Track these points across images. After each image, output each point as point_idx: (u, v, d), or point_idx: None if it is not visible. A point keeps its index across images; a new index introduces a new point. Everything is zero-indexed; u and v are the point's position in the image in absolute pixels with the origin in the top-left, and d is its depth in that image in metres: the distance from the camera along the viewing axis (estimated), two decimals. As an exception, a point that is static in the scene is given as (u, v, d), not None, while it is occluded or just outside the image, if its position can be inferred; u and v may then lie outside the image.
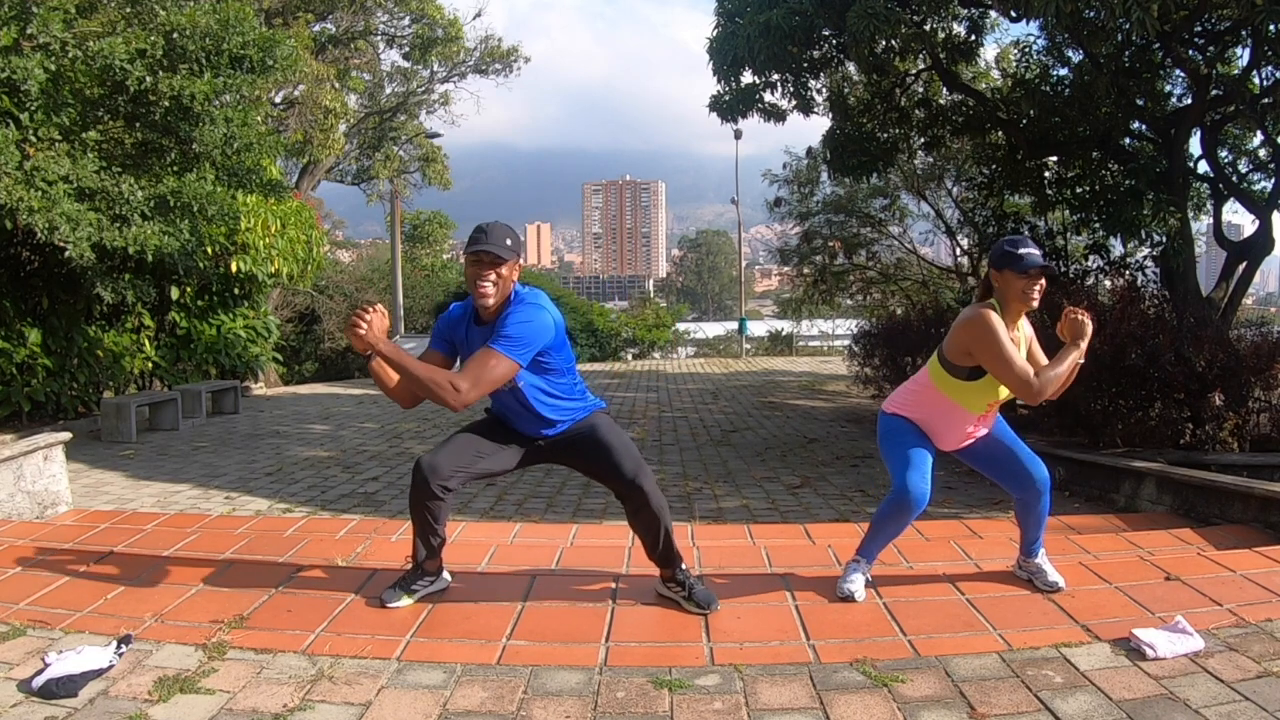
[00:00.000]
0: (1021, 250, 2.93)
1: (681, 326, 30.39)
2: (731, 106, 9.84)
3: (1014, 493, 3.19)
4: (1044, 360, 3.06)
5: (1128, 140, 9.70)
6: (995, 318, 2.91)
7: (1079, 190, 9.65)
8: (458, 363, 2.88)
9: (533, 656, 2.63)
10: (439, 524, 2.91)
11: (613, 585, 3.17)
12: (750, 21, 8.51)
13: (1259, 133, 9.63)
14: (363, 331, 2.56)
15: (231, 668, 2.53)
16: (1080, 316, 3.00)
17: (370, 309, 2.61)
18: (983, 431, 3.13)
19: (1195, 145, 9.65)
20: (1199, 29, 8.23)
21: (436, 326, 2.96)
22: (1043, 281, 2.95)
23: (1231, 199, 9.89)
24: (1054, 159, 10.21)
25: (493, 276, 2.70)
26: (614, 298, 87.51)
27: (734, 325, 31.40)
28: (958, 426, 3.09)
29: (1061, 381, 2.96)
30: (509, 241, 2.72)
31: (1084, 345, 2.97)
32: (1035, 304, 2.97)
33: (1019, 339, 3.02)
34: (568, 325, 3.13)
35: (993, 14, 9.68)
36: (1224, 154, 10.41)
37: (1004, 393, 3.01)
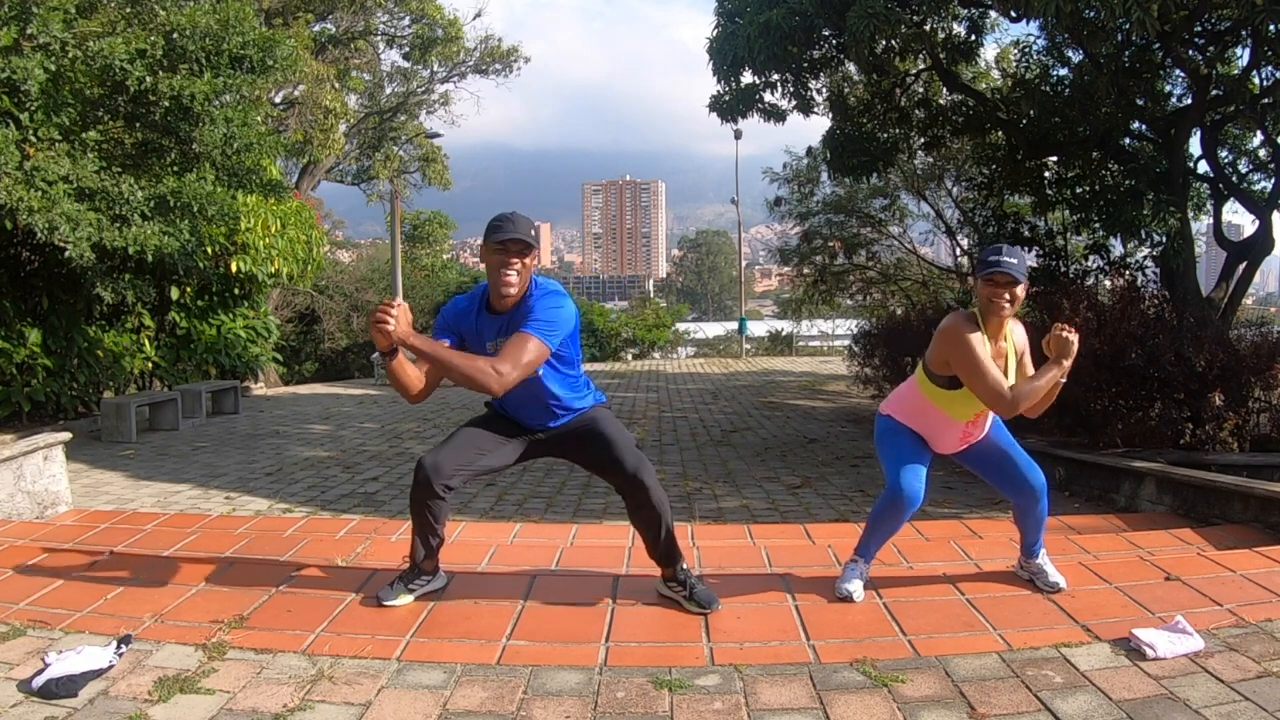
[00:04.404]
0: (991, 258, 2.87)
1: (681, 326, 30.38)
2: (731, 106, 9.84)
3: (1011, 498, 3.19)
4: (1032, 371, 3.00)
5: (1128, 140, 9.69)
6: (966, 327, 2.87)
7: (1079, 190, 9.65)
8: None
9: (533, 656, 2.63)
10: (439, 523, 2.91)
11: (613, 585, 3.17)
12: (750, 21, 8.50)
13: (1259, 133, 9.63)
14: (391, 327, 2.51)
15: (231, 668, 2.53)
16: (1067, 334, 2.89)
17: (393, 304, 2.57)
18: (978, 436, 3.12)
19: (1195, 145, 9.65)
20: (1199, 29, 8.22)
21: (442, 318, 2.90)
22: (1013, 290, 2.85)
23: (1231, 199, 9.88)
24: (1054, 159, 10.20)
25: (518, 265, 2.71)
26: (614, 298, 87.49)
27: (734, 325, 31.39)
28: (948, 433, 3.09)
29: (1039, 398, 2.88)
30: (532, 232, 2.73)
31: (1067, 364, 2.88)
32: (1005, 313, 2.89)
33: (1005, 349, 2.98)
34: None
35: (993, 14, 9.67)
36: (1224, 154, 10.40)
37: None
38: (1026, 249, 10.87)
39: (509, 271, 2.70)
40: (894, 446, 3.10)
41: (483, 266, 2.79)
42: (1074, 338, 2.89)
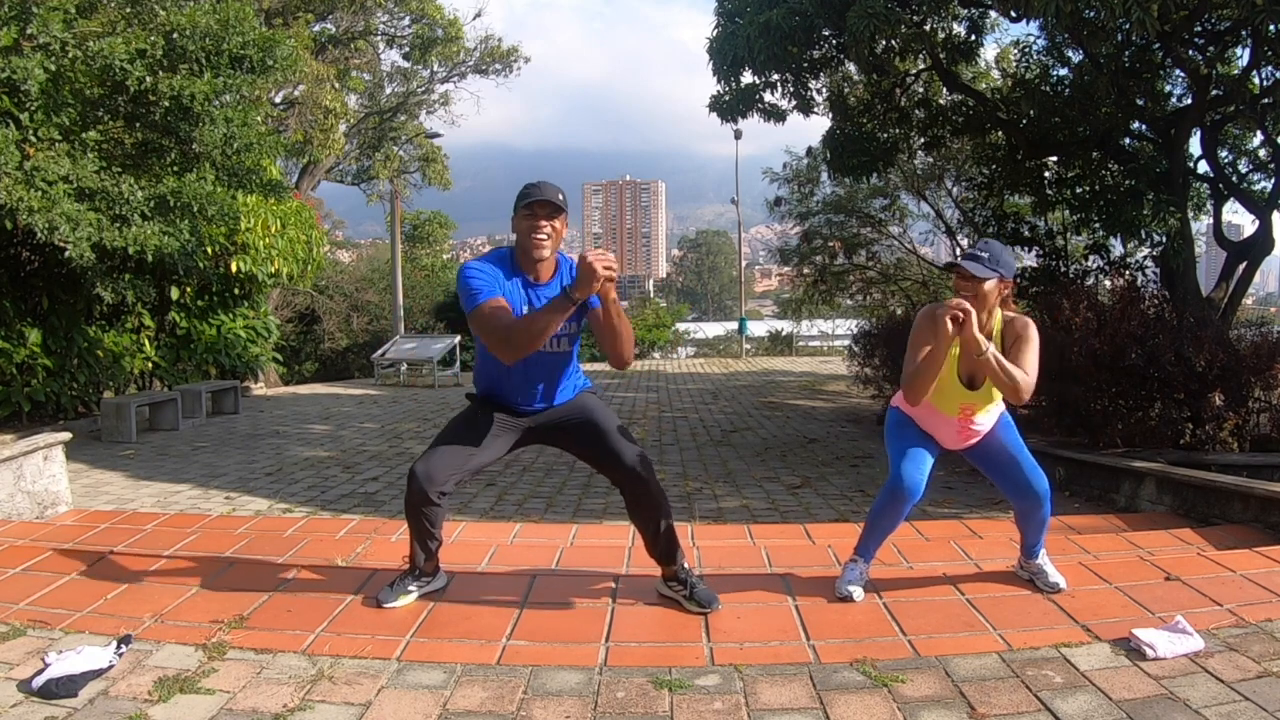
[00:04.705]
0: (968, 252, 2.99)
1: (681, 326, 30.42)
2: (731, 107, 9.84)
3: (1013, 500, 3.19)
4: (1021, 365, 2.94)
5: (1128, 140, 9.69)
6: (924, 313, 2.98)
7: (1079, 190, 9.64)
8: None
9: (533, 656, 2.63)
10: (436, 528, 2.91)
11: (613, 585, 3.17)
12: (750, 21, 8.50)
13: (1259, 133, 9.62)
14: (615, 276, 2.53)
15: (231, 668, 2.53)
16: (944, 310, 2.81)
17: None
18: (979, 431, 3.12)
19: (1195, 145, 9.65)
20: (1199, 29, 8.22)
21: (489, 277, 2.73)
22: (976, 286, 2.86)
23: (1231, 199, 9.88)
24: (1054, 159, 10.20)
25: (547, 228, 2.71)
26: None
27: (734, 325, 31.39)
28: (943, 426, 3.11)
29: (918, 379, 2.90)
30: (560, 197, 2.74)
31: (945, 343, 2.81)
32: (968, 303, 2.85)
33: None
34: None
35: (993, 14, 9.67)
36: (1224, 154, 10.40)
37: (973, 394, 3.01)
38: (1026, 249, 10.89)
39: (540, 234, 2.71)
40: (899, 438, 3.14)
41: None
42: (946, 312, 2.79)
